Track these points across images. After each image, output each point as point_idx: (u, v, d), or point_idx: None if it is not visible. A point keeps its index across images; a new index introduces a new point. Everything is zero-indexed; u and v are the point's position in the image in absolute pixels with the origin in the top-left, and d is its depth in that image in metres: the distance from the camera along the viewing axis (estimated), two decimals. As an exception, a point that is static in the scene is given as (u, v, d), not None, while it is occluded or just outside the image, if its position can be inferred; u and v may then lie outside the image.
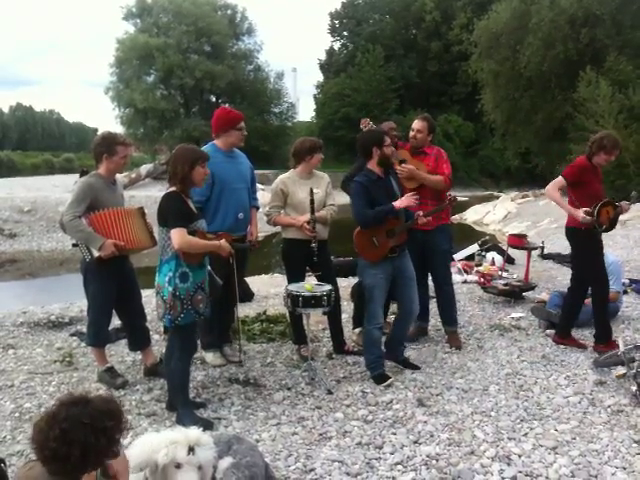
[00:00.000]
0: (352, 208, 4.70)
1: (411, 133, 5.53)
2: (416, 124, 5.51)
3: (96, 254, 4.40)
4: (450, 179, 5.46)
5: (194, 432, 2.57)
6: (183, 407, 4.04)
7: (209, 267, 4.20)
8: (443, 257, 5.66)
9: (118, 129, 41.71)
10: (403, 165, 5.28)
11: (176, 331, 4.00)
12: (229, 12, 48.20)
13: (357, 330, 5.66)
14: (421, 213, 4.78)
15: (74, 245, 4.61)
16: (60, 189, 21.38)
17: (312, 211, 5.00)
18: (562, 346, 5.48)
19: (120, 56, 43.03)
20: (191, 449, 2.49)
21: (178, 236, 3.79)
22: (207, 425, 3.72)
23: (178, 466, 2.47)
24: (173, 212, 3.86)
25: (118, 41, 43.33)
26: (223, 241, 4.12)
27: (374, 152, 4.68)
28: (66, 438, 2.11)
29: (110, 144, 4.55)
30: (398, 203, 4.59)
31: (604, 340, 5.28)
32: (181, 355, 4.06)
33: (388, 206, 4.58)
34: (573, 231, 5.38)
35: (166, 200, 3.93)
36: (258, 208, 5.33)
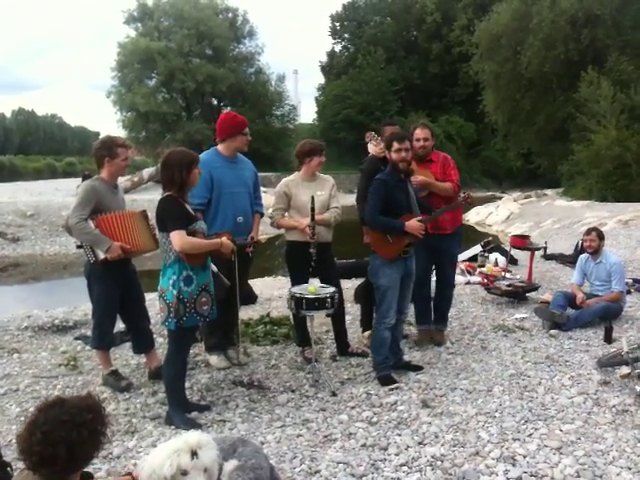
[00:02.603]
0: (367, 203, 4.73)
1: (417, 144, 5.40)
2: (420, 133, 5.43)
3: (101, 256, 4.43)
4: (459, 185, 5.47)
5: (193, 435, 2.57)
6: (173, 408, 4.06)
7: (215, 268, 4.21)
8: (453, 260, 5.80)
9: (120, 133, 41.92)
10: (413, 178, 5.26)
11: (176, 334, 4.01)
12: (230, 15, 48.34)
13: (367, 333, 5.65)
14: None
15: (78, 247, 4.64)
16: (62, 193, 21.42)
17: (312, 218, 5.00)
18: (566, 346, 5.48)
19: (122, 60, 43.16)
20: (194, 453, 2.50)
21: (178, 238, 3.80)
22: (195, 427, 3.72)
23: (184, 473, 2.47)
24: (171, 215, 3.87)
25: (120, 45, 43.47)
26: (224, 238, 4.12)
27: (387, 155, 4.73)
28: (49, 439, 2.14)
29: (111, 147, 4.60)
30: (409, 224, 4.61)
31: None
32: (175, 357, 4.08)
33: (399, 225, 4.62)
34: None
35: (163, 205, 3.94)
36: (262, 215, 5.33)
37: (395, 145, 4.64)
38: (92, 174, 4.76)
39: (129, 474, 2.70)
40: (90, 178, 4.67)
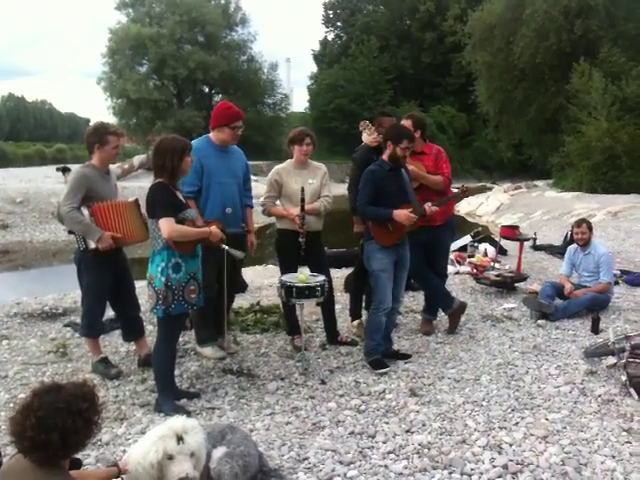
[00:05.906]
0: (358, 194, 4.82)
1: None
2: (404, 123, 5.44)
3: (92, 246, 4.41)
4: (449, 179, 5.48)
5: (178, 421, 2.59)
6: (162, 395, 4.06)
7: (226, 246, 4.21)
8: (446, 251, 5.88)
9: (110, 119, 41.44)
10: None
11: (164, 321, 4.01)
12: (223, 2, 47.95)
13: (356, 322, 5.68)
14: (430, 204, 4.93)
15: (70, 232, 4.61)
16: (52, 180, 21.25)
17: (302, 208, 5.00)
18: (553, 336, 5.53)
19: (112, 46, 42.76)
20: (180, 438, 2.51)
21: (167, 225, 3.80)
22: (184, 414, 3.72)
23: (170, 458, 2.49)
24: (161, 202, 3.87)
25: (111, 31, 43.07)
26: (214, 227, 4.12)
27: (388, 146, 4.77)
28: (43, 425, 2.14)
29: (102, 134, 4.57)
30: (397, 213, 4.66)
31: None
32: (164, 344, 4.09)
33: (388, 212, 4.68)
34: None
35: (153, 191, 3.93)
36: (252, 207, 5.29)
37: (405, 143, 4.73)
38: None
39: (115, 465, 2.70)
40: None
